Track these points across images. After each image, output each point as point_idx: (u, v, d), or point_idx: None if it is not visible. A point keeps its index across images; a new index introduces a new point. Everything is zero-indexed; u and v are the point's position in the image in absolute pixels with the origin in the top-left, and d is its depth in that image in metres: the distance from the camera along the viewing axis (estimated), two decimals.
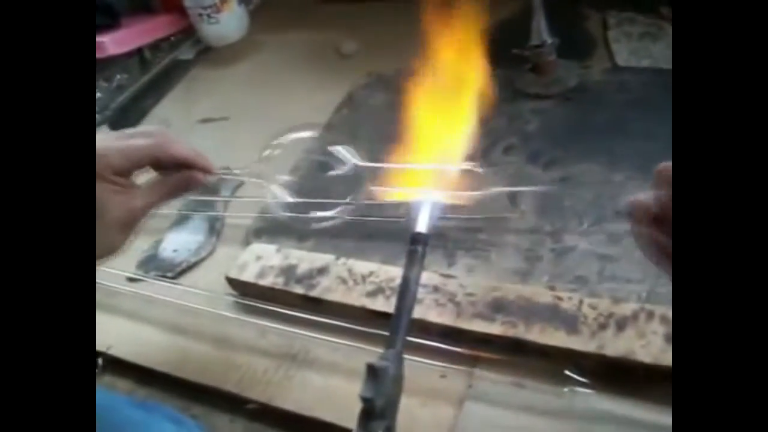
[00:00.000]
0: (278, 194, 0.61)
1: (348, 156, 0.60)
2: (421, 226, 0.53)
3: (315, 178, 0.68)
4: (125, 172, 0.55)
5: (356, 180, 0.61)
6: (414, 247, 0.52)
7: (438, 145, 0.58)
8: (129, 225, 0.56)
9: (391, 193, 0.58)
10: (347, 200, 0.60)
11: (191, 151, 0.58)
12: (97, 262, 0.56)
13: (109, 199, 0.53)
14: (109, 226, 0.54)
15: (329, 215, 0.61)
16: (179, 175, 0.58)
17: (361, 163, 0.60)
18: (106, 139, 0.55)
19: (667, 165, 0.41)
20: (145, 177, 0.58)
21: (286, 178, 0.63)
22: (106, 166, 0.53)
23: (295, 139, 0.62)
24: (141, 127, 0.58)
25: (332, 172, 0.60)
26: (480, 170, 0.58)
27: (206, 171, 0.59)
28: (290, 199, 0.61)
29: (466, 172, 0.58)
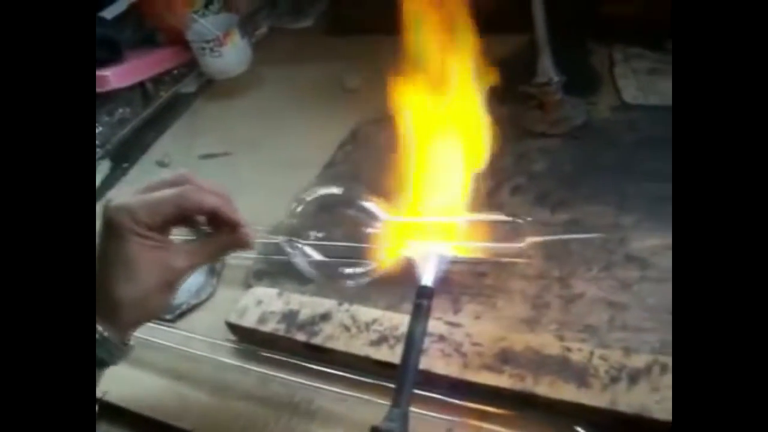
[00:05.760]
0: (310, 253, 0.59)
1: (379, 212, 0.59)
2: (427, 279, 0.51)
3: (349, 232, 0.66)
4: (156, 226, 0.52)
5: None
6: (419, 301, 0.51)
7: (440, 196, 0.57)
8: (170, 285, 0.54)
9: (402, 246, 0.57)
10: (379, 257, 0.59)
11: (218, 200, 0.55)
12: (140, 324, 0.55)
13: (144, 256, 0.51)
14: (147, 287, 0.52)
15: (359, 272, 0.59)
16: (222, 236, 0.56)
17: (392, 219, 0.59)
18: (130, 194, 0.53)
19: None
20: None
21: (318, 235, 0.61)
22: (136, 221, 0.51)
23: (324, 194, 0.61)
24: (166, 176, 0.55)
25: (368, 230, 0.59)
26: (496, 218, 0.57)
27: (233, 224, 0.56)
28: (323, 258, 0.60)
29: (474, 224, 0.57)
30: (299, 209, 0.60)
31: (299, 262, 0.60)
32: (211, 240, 0.56)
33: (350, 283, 0.60)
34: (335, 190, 0.62)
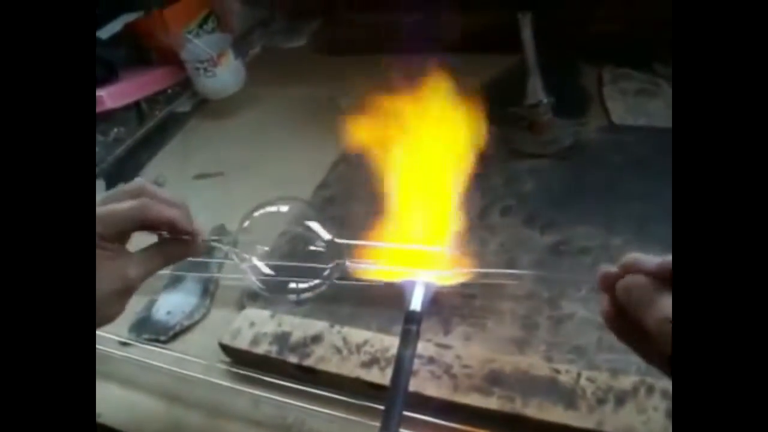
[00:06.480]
0: (257, 266, 0.60)
1: (322, 232, 0.60)
2: (416, 304, 0.52)
3: (297, 250, 0.67)
4: (112, 237, 0.53)
5: (335, 252, 0.60)
6: (408, 327, 0.51)
7: (425, 224, 0.58)
8: (123, 294, 0.54)
9: (378, 271, 0.58)
10: (324, 274, 0.60)
11: (176, 213, 0.56)
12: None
13: (99, 265, 0.51)
14: (101, 295, 0.52)
15: (304, 288, 0.60)
16: (174, 244, 0.57)
17: (336, 240, 0.60)
18: None
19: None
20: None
21: (266, 248, 0.62)
22: None
23: (273, 212, 0.62)
24: (126, 186, 0.56)
25: (311, 247, 0.60)
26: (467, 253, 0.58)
27: (191, 234, 0.57)
28: (267, 271, 0.60)
29: (457, 253, 0.57)
30: (246, 224, 0.61)
31: (247, 274, 0.61)
32: (163, 247, 0.57)
33: (292, 297, 0.61)
34: (283, 207, 0.63)
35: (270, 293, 0.61)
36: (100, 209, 0.53)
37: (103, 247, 0.52)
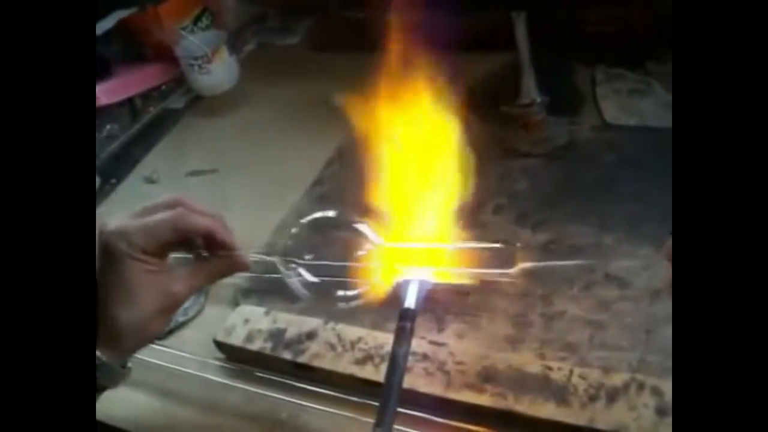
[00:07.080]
0: (304, 275, 0.61)
1: (373, 236, 0.61)
2: (410, 301, 0.53)
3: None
4: (153, 250, 0.53)
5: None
6: (403, 324, 0.52)
7: (427, 221, 0.59)
8: (168, 309, 0.55)
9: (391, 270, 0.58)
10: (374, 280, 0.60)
11: (212, 222, 0.56)
12: (140, 348, 0.56)
13: (142, 280, 0.52)
14: (146, 311, 0.53)
15: (353, 295, 0.61)
16: (219, 260, 0.58)
17: (385, 244, 0.60)
18: (126, 219, 0.54)
19: None
20: None
21: (311, 256, 0.62)
22: (132, 246, 0.52)
23: (319, 217, 0.62)
24: (162, 199, 0.56)
25: (361, 253, 0.60)
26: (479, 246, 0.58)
27: (229, 246, 0.57)
28: (315, 279, 0.61)
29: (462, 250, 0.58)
30: (294, 231, 0.61)
31: (293, 282, 0.62)
32: (209, 263, 0.58)
33: (341, 305, 0.62)
34: (330, 213, 0.63)
35: (317, 300, 0.62)
36: (136, 222, 0.53)
37: (144, 260, 0.52)
